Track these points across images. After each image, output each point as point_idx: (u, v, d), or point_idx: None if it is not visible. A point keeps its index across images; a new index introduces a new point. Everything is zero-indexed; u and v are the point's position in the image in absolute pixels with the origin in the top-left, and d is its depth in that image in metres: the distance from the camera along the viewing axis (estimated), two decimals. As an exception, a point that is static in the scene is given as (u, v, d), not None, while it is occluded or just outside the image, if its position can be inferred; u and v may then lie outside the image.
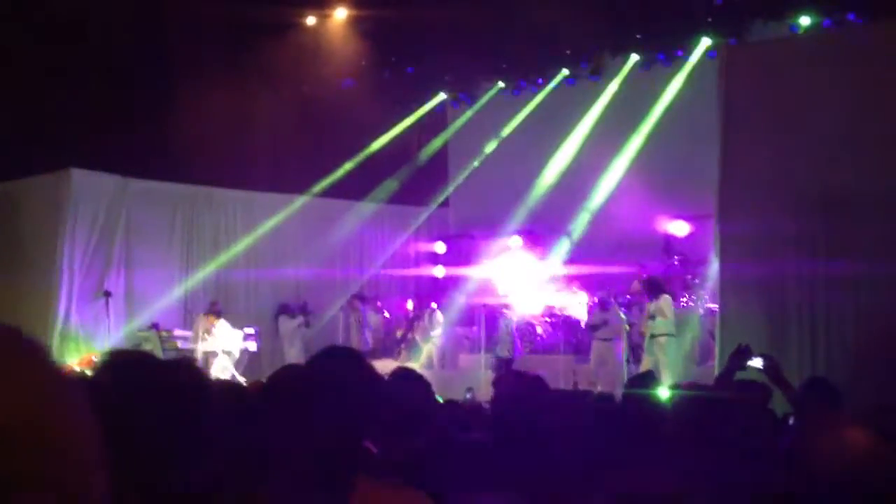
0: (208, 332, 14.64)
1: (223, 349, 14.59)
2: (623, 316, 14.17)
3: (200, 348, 14.50)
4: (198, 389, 1.91)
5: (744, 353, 4.83)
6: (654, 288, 13.41)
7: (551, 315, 16.78)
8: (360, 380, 2.20)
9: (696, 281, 15.38)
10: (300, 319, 16.46)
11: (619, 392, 5.88)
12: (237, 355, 14.80)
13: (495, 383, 4.10)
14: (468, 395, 12.56)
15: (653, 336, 13.15)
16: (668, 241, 16.64)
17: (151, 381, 1.84)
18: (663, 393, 4.78)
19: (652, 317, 13.15)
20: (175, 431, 1.79)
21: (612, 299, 14.60)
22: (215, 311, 14.91)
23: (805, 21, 13.51)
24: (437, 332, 16.70)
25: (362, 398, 2.18)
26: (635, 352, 13.89)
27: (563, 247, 17.18)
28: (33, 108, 14.22)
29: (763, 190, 11.16)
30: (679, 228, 16.47)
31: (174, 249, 16.20)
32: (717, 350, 11.67)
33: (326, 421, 2.07)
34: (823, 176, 10.65)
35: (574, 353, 15.57)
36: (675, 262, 16.16)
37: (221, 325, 14.78)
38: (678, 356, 13.31)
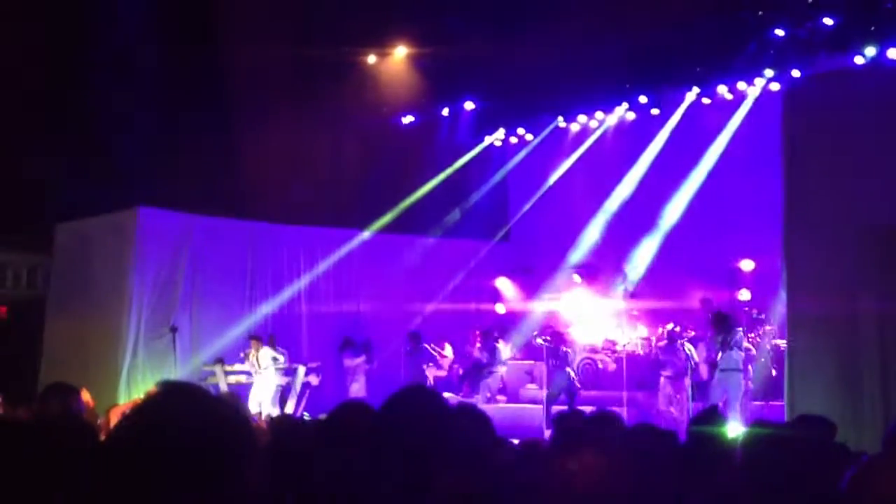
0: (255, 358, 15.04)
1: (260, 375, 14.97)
2: (694, 353, 13.92)
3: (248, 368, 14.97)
4: (243, 424, 1.94)
5: None
6: (723, 322, 13.17)
7: (613, 350, 16.61)
8: (435, 418, 2.21)
9: (762, 317, 15.11)
10: (364, 355, 16.51)
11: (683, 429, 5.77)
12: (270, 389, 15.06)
13: (556, 421, 4.07)
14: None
15: (725, 370, 12.92)
16: (735, 277, 16.39)
17: (200, 414, 1.88)
18: (731, 430, 4.68)
19: (730, 348, 12.91)
20: (221, 465, 1.82)
21: (679, 337, 14.44)
22: (258, 338, 15.28)
23: (870, 52, 13.29)
24: (496, 368, 16.62)
25: (436, 437, 2.18)
26: (700, 388, 13.65)
27: (620, 287, 17.06)
28: (102, 149, 14.59)
29: (829, 225, 10.97)
30: (745, 263, 16.24)
31: (238, 285, 16.41)
32: (785, 387, 11.44)
33: (398, 458, 2.08)
34: (890, 211, 10.43)
35: (637, 389, 15.37)
36: (742, 298, 15.91)
37: (265, 352, 15.11)
38: (739, 392, 13.10)
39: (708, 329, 13.57)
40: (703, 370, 13.57)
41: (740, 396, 12.99)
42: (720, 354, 12.94)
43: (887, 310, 10.43)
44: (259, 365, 14.98)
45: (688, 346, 14.11)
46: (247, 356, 15.08)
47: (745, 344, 13.56)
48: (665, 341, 14.85)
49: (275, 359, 15.12)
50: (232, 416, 1.92)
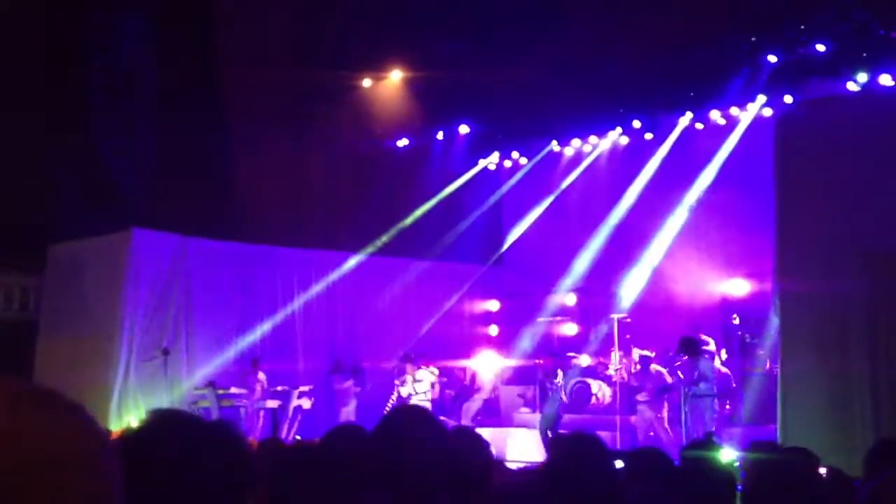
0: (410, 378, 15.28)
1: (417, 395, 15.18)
2: (666, 374, 13.91)
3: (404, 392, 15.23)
4: (236, 451, 1.92)
5: None
6: (689, 347, 13.20)
7: (605, 374, 16.60)
8: (431, 440, 2.20)
9: (755, 341, 15.13)
10: (352, 379, 16.45)
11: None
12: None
13: (550, 443, 4.06)
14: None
15: (697, 396, 12.90)
16: (726, 300, 16.42)
17: (189, 443, 1.86)
18: (725, 455, 4.68)
19: (699, 379, 12.89)
20: (212, 491, 1.81)
21: (650, 361, 14.43)
22: (411, 359, 15.55)
23: (862, 78, 13.39)
24: (481, 391, 16.65)
25: (432, 459, 2.18)
26: (675, 413, 13.65)
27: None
28: (96, 171, 14.60)
29: (821, 249, 11.02)
30: (737, 287, 16.26)
31: (231, 308, 16.35)
32: (778, 411, 11.45)
33: (393, 482, 2.07)
34: (883, 234, 10.49)
35: (629, 413, 15.36)
36: (734, 322, 15.92)
37: (421, 374, 15.39)
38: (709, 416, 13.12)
39: (679, 354, 13.57)
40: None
41: (710, 421, 12.92)
42: (694, 382, 12.90)
43: (879, 334, 10.47)
44: (415, 389, 15.11)
45: (657, 367, 14.10)
46: (403, 381, 15.19)
47: (721, 367, 13.65)
48: (638, 366, 14.86)
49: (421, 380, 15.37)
50: (226, 444, 1.90)
